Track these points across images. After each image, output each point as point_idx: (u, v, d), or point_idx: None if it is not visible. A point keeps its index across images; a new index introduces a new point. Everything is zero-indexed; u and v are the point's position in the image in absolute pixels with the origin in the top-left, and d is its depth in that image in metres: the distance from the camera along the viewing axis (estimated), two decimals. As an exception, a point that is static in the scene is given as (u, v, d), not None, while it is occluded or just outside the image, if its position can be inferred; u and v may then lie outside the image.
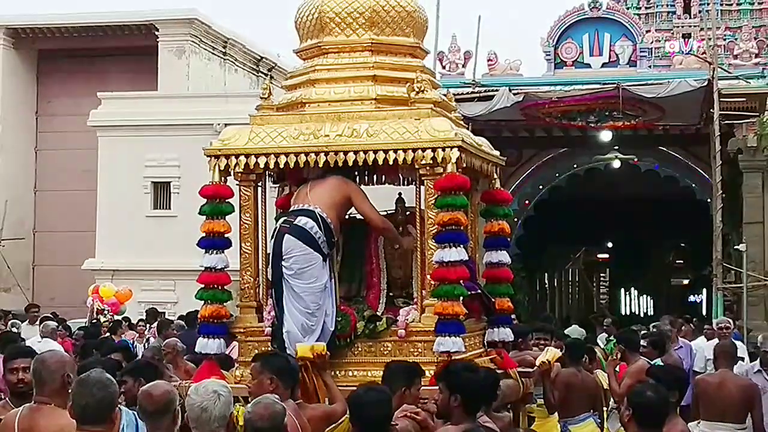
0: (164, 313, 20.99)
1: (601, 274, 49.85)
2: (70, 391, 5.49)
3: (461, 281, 7.82)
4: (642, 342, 11.76)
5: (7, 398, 6.70)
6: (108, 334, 17.30)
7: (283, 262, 7.94)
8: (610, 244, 43.58)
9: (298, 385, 6.98)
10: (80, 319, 20.87)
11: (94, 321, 20.14)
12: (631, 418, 6.02)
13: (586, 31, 24.81)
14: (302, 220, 7.96)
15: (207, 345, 8.21)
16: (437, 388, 6.49)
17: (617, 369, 11.33)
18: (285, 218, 8.10)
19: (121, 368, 8.68)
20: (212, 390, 5.47)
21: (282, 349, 7.82)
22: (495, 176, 9.02)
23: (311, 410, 6.87)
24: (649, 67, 25.00)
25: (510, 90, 21.78)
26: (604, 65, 24.63)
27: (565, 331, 16.46)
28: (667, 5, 30.12)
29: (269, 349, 7.92)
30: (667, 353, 12.52)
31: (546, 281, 40.72)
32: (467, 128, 8.98)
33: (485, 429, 6.15)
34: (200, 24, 31.72)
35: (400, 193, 8.80)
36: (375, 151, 7.96)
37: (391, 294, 8.48)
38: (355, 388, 6.43)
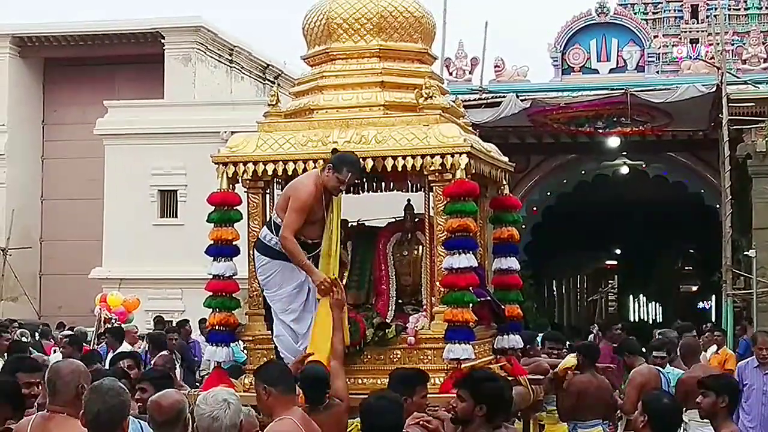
0: (171, 321, 20.94)
1: (610, 281, 49.80)
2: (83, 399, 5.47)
3: (471, 288, 7.78)
4: (660, 353, 11.61)
5: None
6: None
7: (258, 274, 8.02)
8: (618, 251, 43.51)
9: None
10: (88, 328, 20.79)
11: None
12: (646, 424, 5.95)
13: (594, 37, 24.76)
14: (262, 230, 8.00)
15: (215, 353, 8.18)
16: (457, 394, 6.41)
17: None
18: None
19: (128, 376, 8.63)
20: (222, 399, 5.43)
21: (278, 356, 7.83)
22: (504, 182, 8.97)
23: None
24: (657, 72, 24.93)
25: (517, 96, 21.75)
26: (611, 71, 24.57)
27: None
28: (675, 10, 30.04)
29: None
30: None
31: (554, 288, 40.68)
32: (476, 134, 8.93)
33: None
34: (206, 32, 31.70)
35: (409, 200, 8.75)
36: (383, 158, 7.93)
37: (400, 301, 8.44)
38: (365, 396, 6.38)
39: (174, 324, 19.34)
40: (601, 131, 23.29)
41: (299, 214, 7.78)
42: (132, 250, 27.09)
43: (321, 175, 7.85)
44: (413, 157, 7.86)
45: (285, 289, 7.87)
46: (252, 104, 25.21)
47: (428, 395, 7.14)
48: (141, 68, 31.99)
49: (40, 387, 6.81)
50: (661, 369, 10.98)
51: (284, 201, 7.89)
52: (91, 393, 5.25)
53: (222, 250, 8.19)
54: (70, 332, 17.51)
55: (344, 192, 8.23)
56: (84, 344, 16.50)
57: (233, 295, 8.26)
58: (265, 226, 8.02)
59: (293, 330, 7.85)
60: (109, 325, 20.32)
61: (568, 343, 14.32)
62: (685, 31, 29.53)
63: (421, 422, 6.59)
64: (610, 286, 49.95)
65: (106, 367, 10.81)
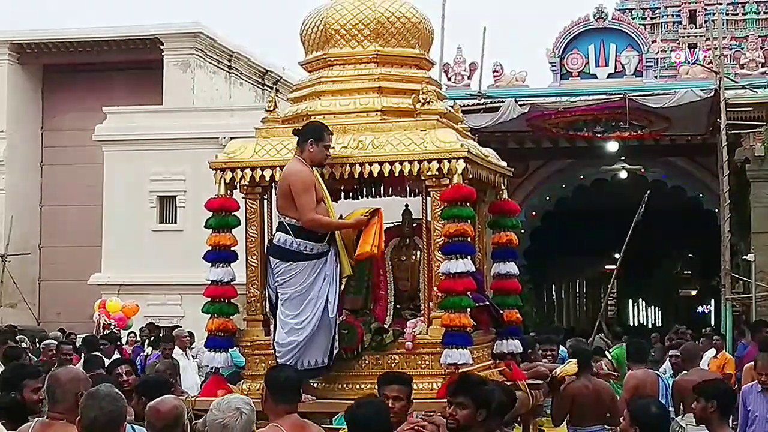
0: (177, 327, 20.99)
1: (609, 286, 49.72)
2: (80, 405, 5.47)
3: (468, 293, 7.77)
4: (674, 352, 11.56)
5: None
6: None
7: (275, 277, 7.93)
8: (617, 255, 43.45)
9: (298, 399, 6.86)
10: (87, 334, 20.81)
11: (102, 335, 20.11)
12: None
13: (592, 42, 24.81)
14: (276, 236, 7.95)
15: (214, 359, 8.19)
16: (456, 402, 6.41)
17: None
18: (271, 235, 8.10)
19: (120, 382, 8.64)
20: (235, 407, 5.41)
21: (277, 363, 7.80)
22: (503, 187, 8.96)
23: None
24: (655, 77, 24.97)
25: (516, 101, 21.78)
26: (610, 76, 24.61)
27: None
28: (673, 15, 30.08)
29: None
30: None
31: (553, 293, 40.67)
32: (474, 139, 8.92)
33: None
34: (205, 38, 31.74)
35: (407, 205, 8.74)
36: (380, 163, 7.91)
37: (398, 306, 8.43)
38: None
39: (166, 331, 19.39)
40: (599, 136, 23.32)
41: (309, 194, 7.73)
42: (131, 256, 27.09)
43: (303, 155, 7.85)
44: (410, 162, 7.84)
45: (303, 286, 7.81)
46: (251, 110, 25.23)
47: (426, 400, 7.15)
48: (140, 74, 32.03)
49: None
50: (659, 374, 10.96)
51: (285, 198, 7.83)
52: (88, 399, 5.24)
53: (220, 255, 8.18)
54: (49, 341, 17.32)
55: (342, 197, 8.23)
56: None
57: (231, 300, 8.25)
58: (277, 233, 7.94)
59: (297, 323, 7.79)
60: (108, 331, 20.39)
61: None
62: (683, 36, 29.58)
63: (415, 428, 6.59)
64: (609, 290, 49.89)
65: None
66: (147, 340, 19.40)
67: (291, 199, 7.79)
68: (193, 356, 15.53)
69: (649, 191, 20.40)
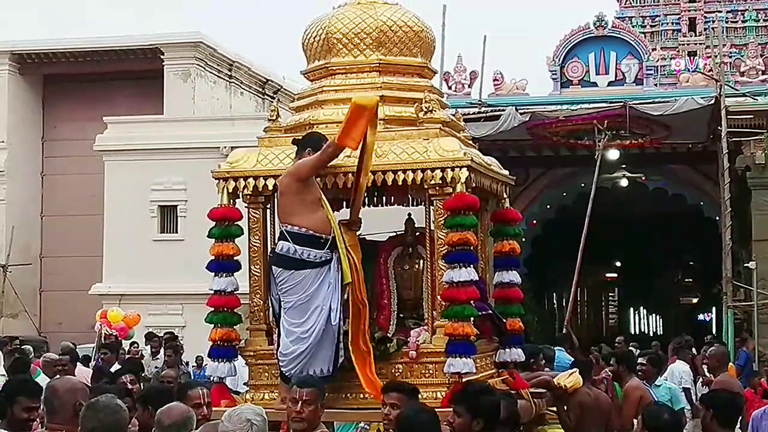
0: (179, 337, 21.03)
1: (610, 294, 49.75)
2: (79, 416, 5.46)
3: (472, 302, 7.76)
4: (641, 360, 11.63)
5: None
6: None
7: (278, 286, 7.90)
8: (618, 263, 43.49)
9: None
10: (88, 344, 20.79)
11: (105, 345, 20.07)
12: None
13: (592, 50, 24.87)
14: (278, 245, 7.93)
15: (217, 368, 8.18)
16: (453, 410, 6.42)
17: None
18: (274, 245, 8.09)
19: (130, 393, 8.62)
20: (245, 419, 5.40)
21: (281, 372, 7.82)
22: (504, 196, 8.97)
23: None
24: (656, 85, 25.03)
25: (516, 110, 21.81)
26: (610, 84, 24.67)
27: None
28: (672, 23, 30.14)
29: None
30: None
31: (554, 301, 40.64)
32: (476, 148, 8.92)
33: None
34: (206, 47, 31.77)
35: (409, 214, 8.74)
36: (383, 172, 7.90)
37: (401, 315, 8.42)
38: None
39: (163, 340, 19.39)
40: (600, 144, 23.30)
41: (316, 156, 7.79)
42: (132, 266, 27.08)
43: None
44: (413, 171, 7.84)
45: (307, 294, 7.79)
46: (252, 119, 25.26)
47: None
48: (140, 84, 32.05)
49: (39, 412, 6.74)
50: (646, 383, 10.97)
51: (288, 197, 7.81)
52: (87, 410, 5.24)
53: (223, 265, 8.17)
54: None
55: (345, 206, 8.22)
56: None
57: (235, 310, 8.25)
58: (279, 242, 7.90)
59: (302, 332, 7.78)
60: (109, 342, 20.35)
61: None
62: (683, 44, 29.63)
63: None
64: (610, 298, 49.91)
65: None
66: (160, 350, 19.38)
67: (295, 197, 7.78)
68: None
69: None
